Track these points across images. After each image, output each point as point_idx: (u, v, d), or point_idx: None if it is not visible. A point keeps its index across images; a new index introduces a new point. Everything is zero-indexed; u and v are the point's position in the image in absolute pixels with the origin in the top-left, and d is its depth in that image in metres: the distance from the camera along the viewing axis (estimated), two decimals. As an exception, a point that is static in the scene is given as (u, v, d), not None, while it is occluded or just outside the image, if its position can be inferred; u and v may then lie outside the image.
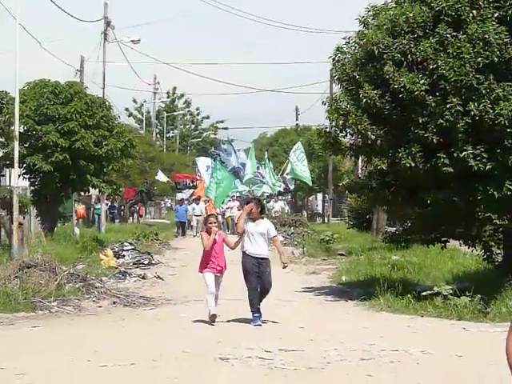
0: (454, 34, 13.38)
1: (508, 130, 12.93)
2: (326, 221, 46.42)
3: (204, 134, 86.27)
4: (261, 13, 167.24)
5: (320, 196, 54.70)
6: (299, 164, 39.99)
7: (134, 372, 8.54)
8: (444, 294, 13.24)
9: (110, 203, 41.00)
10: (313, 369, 8.70)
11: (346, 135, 15.60)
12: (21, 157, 20.66)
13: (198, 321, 12.05)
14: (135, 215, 48.52)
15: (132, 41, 41.86)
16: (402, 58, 13.72)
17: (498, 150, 13.13)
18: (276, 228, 12.77)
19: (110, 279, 17.66)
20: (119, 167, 26.52)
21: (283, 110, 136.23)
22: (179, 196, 48.00)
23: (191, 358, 9.21)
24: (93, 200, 37.55)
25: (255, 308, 11.83)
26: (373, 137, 14.07)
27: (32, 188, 24.55)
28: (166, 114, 75.01)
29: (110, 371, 8.54)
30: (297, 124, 68.46)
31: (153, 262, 22.67)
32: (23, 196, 20.99)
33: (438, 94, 13.33)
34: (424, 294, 13.57)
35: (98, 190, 26.24)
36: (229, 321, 12.05)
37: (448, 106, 13.08)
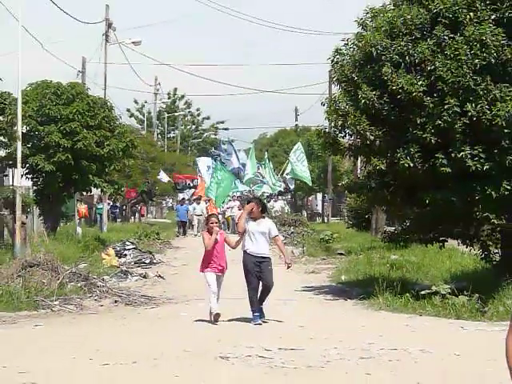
0: (452, 35, 13.47)
1: (505, 131, 13.00)
2: (326, 220, 46.44)
3: (204, 135, 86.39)
4: (260, 14, 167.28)
5: (320, 196, 54.75)
6: (299, 164, 40.05)
7: (136, 370, 8.57)
8: (442, 293, 13.29)
9: (111, 203, 41.10)
10: (312, 367, 8.72)
11: (345, 136, 15.65)
12: (23, 157, 20.77)
13: (198, 320, 12.10)
14: (137, 215, 48.63)
15: (133, 42, 41.92)
16: (400, 60, 13.79)
17: (496, 151, 13.20)
18: (276, 227, 12.84)
19: (112, 278, 17.72)
20: (121, 167, 26.62)
21: (283, 111, 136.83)
22: (180, 196, 48.17)
23: (192, 356, 9.24)
24: (95, 200, 37.63)
25: (255, 307, 11.87)
26: (371, 137, 14.12)
27: (35, 188, 24.67)
28: (166, 115, 75.02)
29: (112, 369, 8.57)
30: (296, 124, 68.38)
31: (154, 261, 22.74)
32: (26, 196, 21.09)
33: (435, 95, 13.41)
34: (422, 293, 13.62)
35: (99, 189, 26.40)
36: (229, 320, 12.07)
37: (446, 107, 13.16)
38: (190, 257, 22.97)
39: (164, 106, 78.13)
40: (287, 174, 43.68)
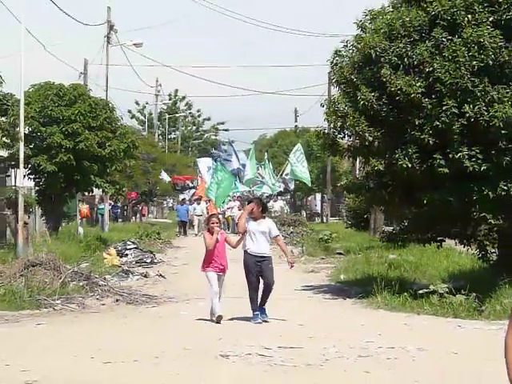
0: (450, 37, 13.53)
1: (502, 132, 13.07)
2: (325, 220, 46.45)
3: (205, 136, 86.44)
4: (260, 16, 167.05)
5: (319, 196, 54.83)
6: (299, 165, 40.13)
7: (137, 369, 8.62)
8: (440, 293, 13.34)
9: (113, 203, 41.20)
10: (312, 365, 8.77)
11: (344, 137, 15.71)
12: (26, 157, 20.86)
13: (199, 319, 12.16)
14: (138, 215, 48.72)
15: (134, 44, 41.99)
16: (399, 61, 13.86)
17: (493, 152, 13.27)
18: (276, 227, 12.94)
19: (113, 277, 17.77)
20: (122, 168, 26.74)
21: (283, 112, 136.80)
22: (181, 196, 48.30)
23: (192, 354, 9.30)
24: (96, 200, 37.72)
25: (255, 306, 11.96)
26: (370, 138, 14.19)
27: (37, 188, 24.77)
28: (167, 116, 75.09)
29: (113, 368, 8.62)
30: (296, 126, 68.33)
31: (155, 260, 22.82)
32: (28, 196, 21.15)
33: (433, 96, 13.47)
34: (420, 292, 13.68)
35: (101, 190, 26.50)
36: (230, 319, 12.12)
37: (444, 109, 13.23)
38: (190, 256, 23.06)
39: (165, 107, 78.12)
40: (286, 175, 43.75)
